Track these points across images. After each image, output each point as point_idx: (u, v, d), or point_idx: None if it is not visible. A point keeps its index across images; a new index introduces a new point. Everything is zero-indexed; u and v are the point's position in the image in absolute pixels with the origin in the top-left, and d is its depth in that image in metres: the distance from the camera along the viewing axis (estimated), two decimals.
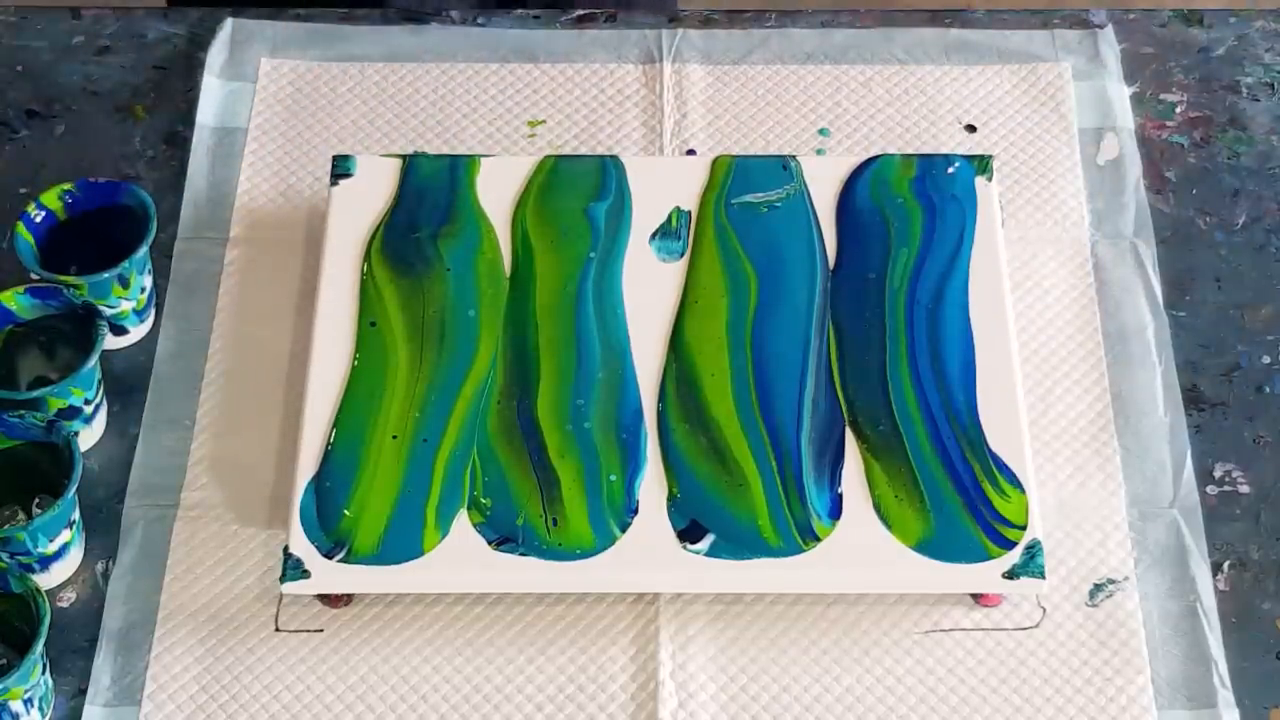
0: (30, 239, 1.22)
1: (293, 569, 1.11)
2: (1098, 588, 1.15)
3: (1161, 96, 1.38)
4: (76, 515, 1.14)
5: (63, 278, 1.19)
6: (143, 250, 1.21)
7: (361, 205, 1.25)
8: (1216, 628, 1.14)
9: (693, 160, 1.29)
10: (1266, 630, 1.14)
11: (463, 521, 1.12)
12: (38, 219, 1.22)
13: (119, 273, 1.20)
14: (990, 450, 1.15)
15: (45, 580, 1.14)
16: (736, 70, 1.39)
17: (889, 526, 1.12)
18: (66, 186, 1.23)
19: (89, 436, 1.20)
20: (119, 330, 1.24)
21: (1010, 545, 1.12)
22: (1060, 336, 1.25)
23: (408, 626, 1.14)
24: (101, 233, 1.23)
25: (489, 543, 1.12)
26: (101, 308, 1.20)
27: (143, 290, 1.23)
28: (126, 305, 1.23)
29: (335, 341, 1.19)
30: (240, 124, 1.36)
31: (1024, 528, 1.12)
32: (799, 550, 1.12)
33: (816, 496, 1.14)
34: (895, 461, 1.15)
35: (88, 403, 1.18)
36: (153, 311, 1.26)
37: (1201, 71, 1.39)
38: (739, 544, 1.12)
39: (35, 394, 1.15)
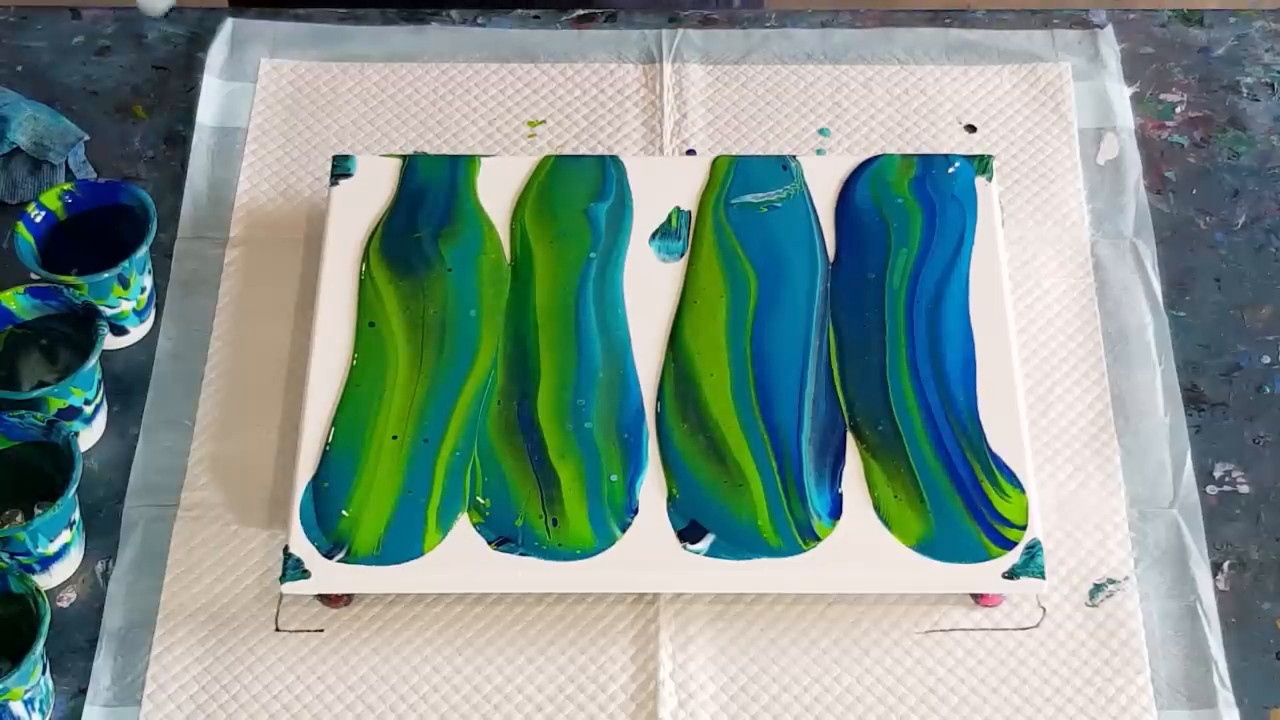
0: (30, 239, 1.21)
1: (293, 569, 1.11)
2: (1098, 588, 1.15)
3: (1161, 96, 1.38)
4: (76, 515, 1.14)
5: (63, 278, 1.19)
6: (143, 250, 1.21)
7: (361, 205, 1.25)
8: (1216, 628, 1.14)
9: (693, 160, 1.29)
10: (1266, 630, 1.14)
11: (463, 522, 1.12)
12: (38, 219, 1.22)
13: (119, 273, 1.20)
14: (990, 450, 1.15)
15: (45, 580, 1.14)
16: (736, 70, 1.39)
17: (889, 526, 1.12)
18: (66, 186, 1.23)
19: (89, 436, 1.20)
20: (119, 330, 1.24)
21: (1010, 545, 1.12)
22: (1060, 336, 1.25)
23: (408, 626, 1.14)
24: (101, 233, 1.23)
25: (489, 543, 1.12)
26: (101, 308, 1.20)
27: (143, 290, 1.23)
28: (126, 305, 1.23)
29: (335, 341, 1.19)
30: (240, 124, 1.36)
31: (1024, 528, 1.12)
32: (799, 550, 1.12)
33: (816, 496, 1.14)
34: (895, 461, 1.15)
35: (88, 403, 1.18)
36: (153, 311, 1.26)
37: (1201, 71, 1.39)
38: (739, 544, 1.12)
39: (35, 394, 1.15)
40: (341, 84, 1.38)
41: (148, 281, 1.24)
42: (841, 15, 1.43)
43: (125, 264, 1.20)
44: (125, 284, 1.21)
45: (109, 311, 1.21)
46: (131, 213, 1.23)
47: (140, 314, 1.24)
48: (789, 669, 1.12)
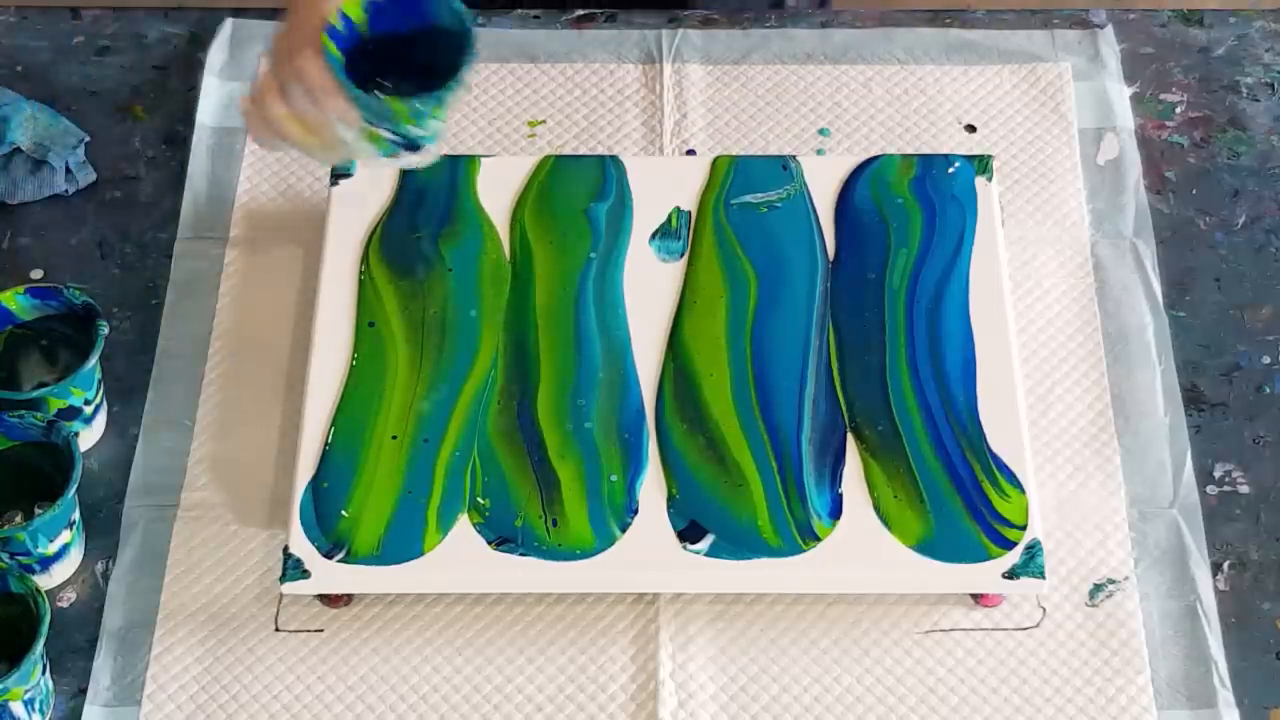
0: (337, 52, 1.09)
1: (293, 569, 1.11)
2: (1098, 588, 1.15)
3: (1161, 96, 1.38)
4: (76, 515, 1.14)
5: (392, 102, 1.09)
6: (465, 71, 1.10)
7: (361, 205, 1.25)
8: (1216, 628, 1.14)
9: (693, 160, 1.29)
10: (1266, 630, 1.14)
11: (463, 522, 1.12)
12: (341, 29, 1.09)
13: (445, 91, 1.09)
14: (990, 450, 1.15)
15: (45, 581, 1.14)
16: (736, 70, 1.39)
17: (889, 526, 1.12)
18: None
19: (89, 436, 1.20)
20: (412, 148, 1.14)
21: (1010, 545, 1.12)
22: (1060, 336, 1.25)
23: (408, 626, 1.14)
24: (407, 58, 1.13)
25: (489, 543, 1.12)
26: (420, 133, 1.12)
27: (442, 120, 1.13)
28: (434, 126, 1.12)
29: (335, 341, 1.19)
30: (240, 124, 1.36)
31: (1024, 528, 1.12)
32: (799, 550, 1.12)
33: (816, 496, 1.13)
34: (895, 461, 1.15)
35: (88, 403, 1.18)
36: (437, 142, 1.15)
37: (1201, 71, 1.39)
38: (739, 544, 1.12)
39: (35, 394, 1.15)
40: None
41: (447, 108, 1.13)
42: (841, 15, 1.43)
43: (452, 83, 1.09)
44: (441, 104, 1.11)
45: (419, 133, 1.11)
46: (445, 34, 1.11)
47: (428, 140, 1.14)
48: (789, 669, 1.12)
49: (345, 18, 1.10)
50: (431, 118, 1.12)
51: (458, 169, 1.27)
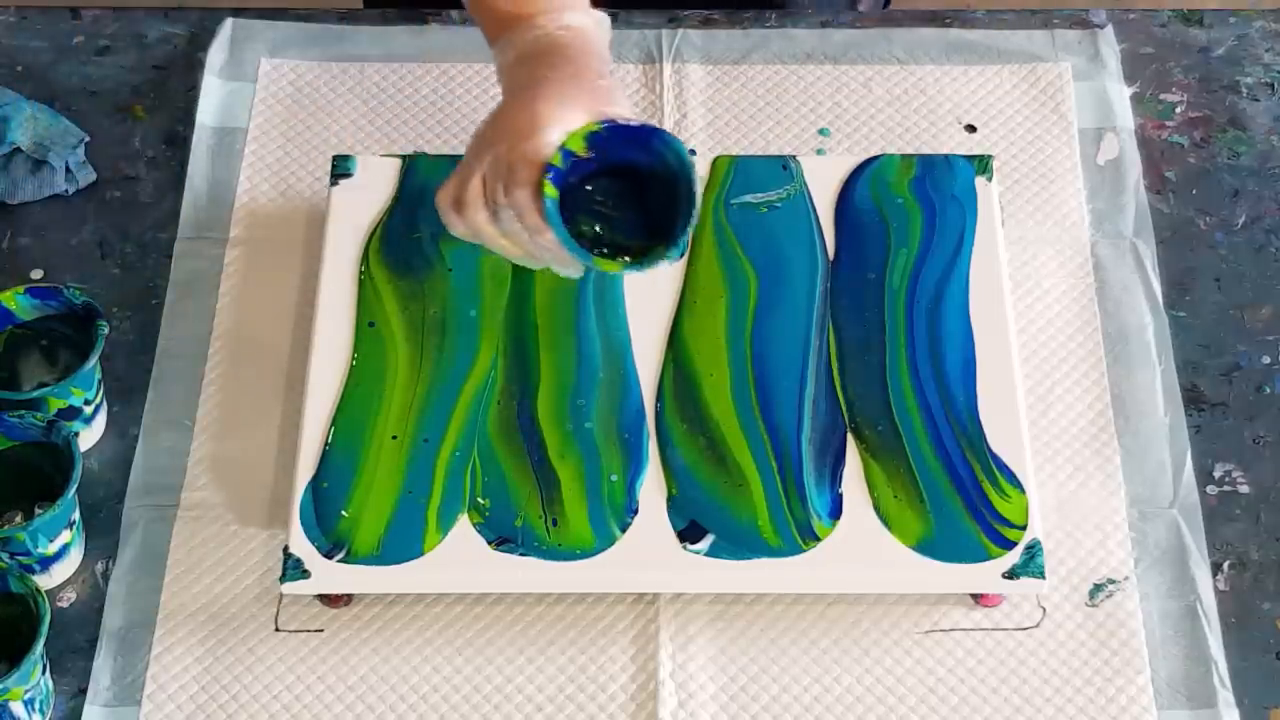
0: (555, 193, 1.03)
1: (293, 569, 1.11)
2: (1098, 588, 1.15)
3: (1161, 96, 1.38)
4: (76, 515, 1.14)
5: (604, 264, 1.05)
6: (683, 234, 1.04)
7: (361, 205, 1.25)
8: (1216, 628, 1.14)
9: (692, 160, 1.29)
10: (1266, 630, 1.14)
11: (463, 522, 1.12)
12: (563, 166, 1.03)
13: (657, 259, 1.05)
14: (990, 450, 1.15)
15: (45, 581, 1.14)
16: (736, 70, 1.39)
17: (889, 527, 1.12)
18: (593, 128, 1.03)
19: (89, 436, 1.20)
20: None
21: (1010, 545, 1.12)
22: (1060, 336, 1.25)
23: (408, 626, 1.14)
24: (626, 182, 1.08)
25: (489, 543, 1.12)
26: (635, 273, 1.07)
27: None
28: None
29: (335, 341, 1.19)
30: (240, 124, 1.36)
31: (1024, 528, 1.12)
32: (799, 550, 1.12)
33: (816, 496, 1.13)
34: (895, 461, 1.15)
35: (88, 403, 1.18)
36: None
37: (1201, 71, 1.39)
38: (739, 544, 1.12)
39: (35, 394, 1.15)
40: (341, 84, 1.38)
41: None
42: (842, 15, 1.43)
43: (667, 250, 1.03)
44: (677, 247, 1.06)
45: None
46: (665, 168, 1.05)
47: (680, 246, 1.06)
48: (789, 669, 1.12)
49: (567, 153, 1.04)
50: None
51: None
